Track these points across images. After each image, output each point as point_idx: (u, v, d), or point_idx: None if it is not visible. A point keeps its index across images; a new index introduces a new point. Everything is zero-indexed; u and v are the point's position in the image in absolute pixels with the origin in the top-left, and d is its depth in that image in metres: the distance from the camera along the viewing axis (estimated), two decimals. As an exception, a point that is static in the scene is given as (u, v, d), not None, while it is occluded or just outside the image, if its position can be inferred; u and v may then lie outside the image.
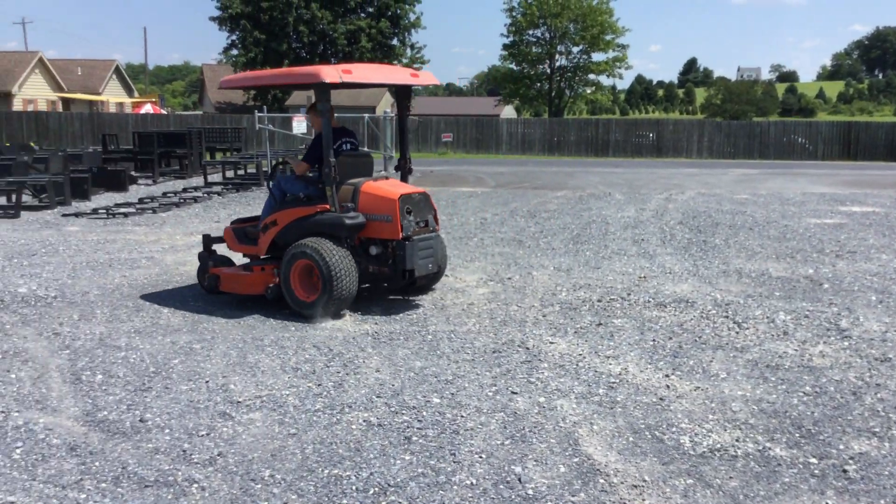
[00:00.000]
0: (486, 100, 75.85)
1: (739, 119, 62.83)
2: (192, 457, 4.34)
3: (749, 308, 7.35)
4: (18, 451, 4.43)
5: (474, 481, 4.03)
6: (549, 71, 53.70)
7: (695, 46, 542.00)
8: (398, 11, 50.98)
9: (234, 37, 51.42)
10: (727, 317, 7.08)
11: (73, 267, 9.40)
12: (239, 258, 8.39)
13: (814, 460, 4.23)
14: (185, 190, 17.68)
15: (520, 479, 4.04)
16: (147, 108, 43.28)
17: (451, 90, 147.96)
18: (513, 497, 3.87)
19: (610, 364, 5.81)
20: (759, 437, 4.52)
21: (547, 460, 4.27)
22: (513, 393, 5.25)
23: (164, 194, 16.84)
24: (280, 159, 8.53)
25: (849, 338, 6.39)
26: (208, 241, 8.13)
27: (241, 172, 20.68)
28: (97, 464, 4.26)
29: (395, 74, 8.42)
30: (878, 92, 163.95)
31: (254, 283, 7.53)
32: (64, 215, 14.07)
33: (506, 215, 13.81)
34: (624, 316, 7.17)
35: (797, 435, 4.55)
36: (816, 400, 5.08)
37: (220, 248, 8.31)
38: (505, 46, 53.50)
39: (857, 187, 18.26)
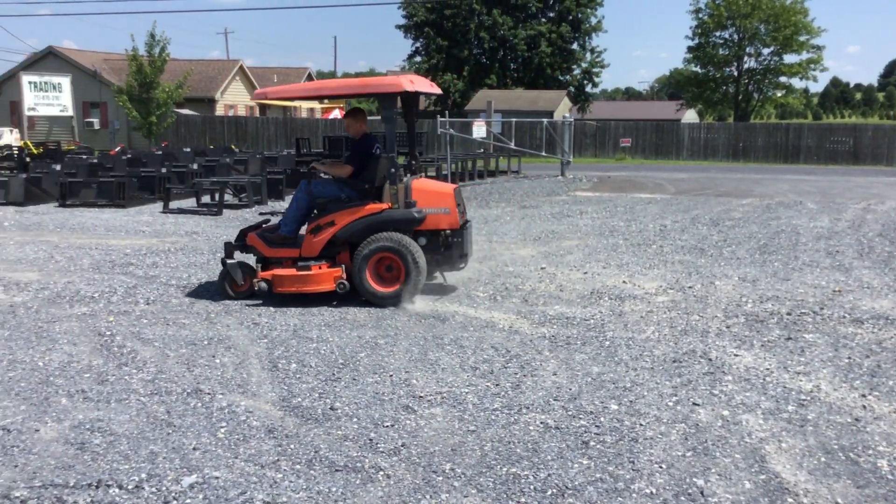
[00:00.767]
0: (666, 104, 73.88)
1: (950, 124, 57.53)
2: (378, 446, 4.55)
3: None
4: (222, 430, 4.81)
5: (654, 490, 3.98)
6: (736, 73, 51.61)
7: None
8: (579, 15, 50.68)
9: (417, 44, 52.96)
10: (933, 337, 6.57)
11: (269, 262, 10.04)
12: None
13: None
14: (369, 192, 18.40)
15: (702, 493, 3.96)
16: (335, 114, 45.31)
17: (629, 94, 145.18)
18: (694, 509, 3.80)
19: (800, 380, 5.56)
20: (969, 468, 4.19)
21: (731, 475, 4.15)
22: (694, 404, 5.14)
23: (350, 196, 17.61)
24: (312, 166, 8.71)
25: None
26: (231, 248, 8.23)
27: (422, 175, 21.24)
28: (292, 447, 4.56)
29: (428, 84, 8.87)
30: None
31: (321, 279, 7.80)
32: (261, 214, 15.03)
33: (687, 223, 13.44)
34: (816, 331, 6.82)
35: None
36: None
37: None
38: (690, 49, 51.99)
39: None
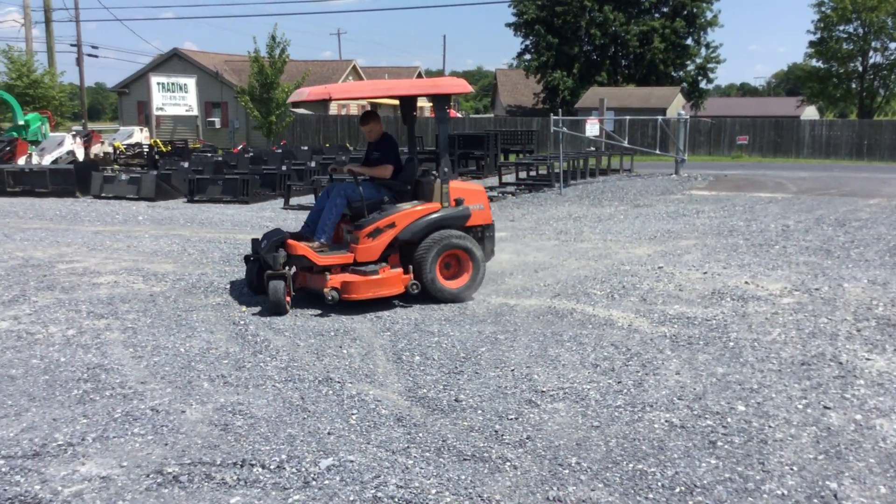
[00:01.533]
0: (784, 100, 71.19)
1: None
2: (504, 437, 4.66)
3: None
4: (354, 417, 5.02)
5: (785, 492, 3.95)
6: (860, 69, 49.30)
7: None
8: (694, 10, 49.42)
9: (527, 42, 52.80)
10: None
11: (388, 257, 10.31)
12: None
13: None
14: (481, 189, 18.55)
15: (835, 496, 3.90)
16: (444, 112, 45.76)
17: (745, 90, 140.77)
18: (828, 513, 3.75)
19: (937, 387, 5.36)
20: None
21: (865, 479, 4.07)
22: (825, 408, 5.03)
23: (463, 193, 17.79)
24: (349, 169, 8.28)
25: None
26: (276, 261, 7.54)
27: (532, 174, 21.29)
28: (421, 435, 4.71)
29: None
30: None
31: (392, 283, 7.67)
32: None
33: (811, 223, 13.00)
34: (953, 337, 6.53)
35: None
36: None
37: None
38: (811, 43, 49.94)
39: None
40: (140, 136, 32.85)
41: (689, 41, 51.21)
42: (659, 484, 4.06)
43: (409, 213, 7.86)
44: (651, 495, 3.94)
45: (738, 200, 16.58)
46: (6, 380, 5.73)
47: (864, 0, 45.62)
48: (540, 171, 21.40)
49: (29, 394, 5.45)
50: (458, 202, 8.05)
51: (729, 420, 4.87)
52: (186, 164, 20.37)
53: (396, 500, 3.91)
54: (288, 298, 7.54)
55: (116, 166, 24.28)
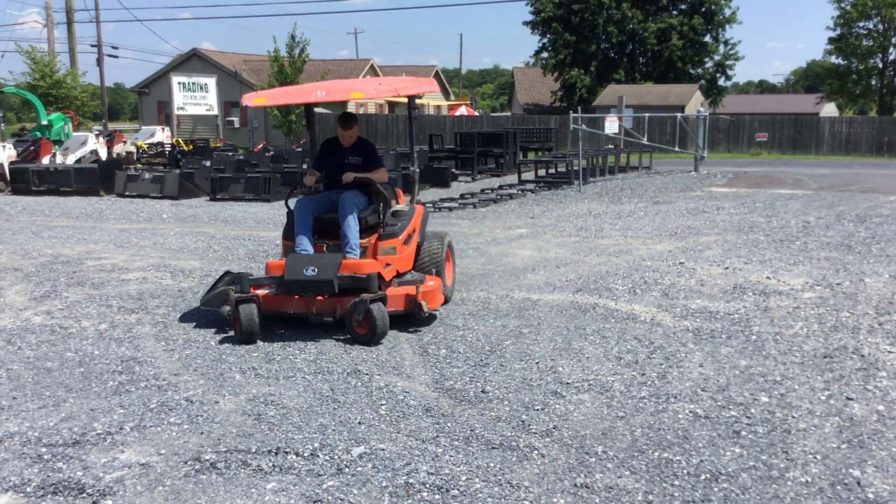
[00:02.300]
0: (802, 97, 70.84)
1: None
2: (531, 427, 4.76)
3: None
4: (383, 407, 5.13)
5: (809, 479, 4.02)
6: (880, 65, 48.97)
7: None
8: (712, 7, 49.26)
9: (545, 40, 52.82)
10: None
11: (410, 254, 10.43)
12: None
13: None
14: (500, 187, 18.67)
15: (858, 483, 3.96)
16: (462, 111, 45.88)
17: (763, 87, 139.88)
18: (851, 498, 3.82)
19: (960, 379, 5.40)
20: None
21: (888, 468, 4.13)
22: (848, 399, 5.09)
23: (483, 191, 17.92)
24: (358, 178, 7.24)
25: None
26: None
27: (551, 171, 21.36)
28: (449, 425, 4.82)
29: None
30: None
31: (440, 289, 7.24)
32: (396, 208, 15.53)
33: (831, 219, 13.00)
34: (976, 330, 6.57)
35: None
36: None
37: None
38: (830, 40, 49.63)
39: None
40: (162, 135, 33.18)
41: (708, 38, 51.08)
42: (684, 471, 4.14)
43: (417, 215, 7.72)
44: (677, 482, 4.03)
45: (757, 197, 16.58)
46: (43, 372, 5.88)
47: (887, -4, 45.34)
48: (559, 169, 21.47)
49: (66, 385, 5.60)
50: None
51: (752, 411, 4.94)
52: (208, 163, 20.60)
53: (428, 486, 4.01)
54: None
55: (139, 165, 24.56)
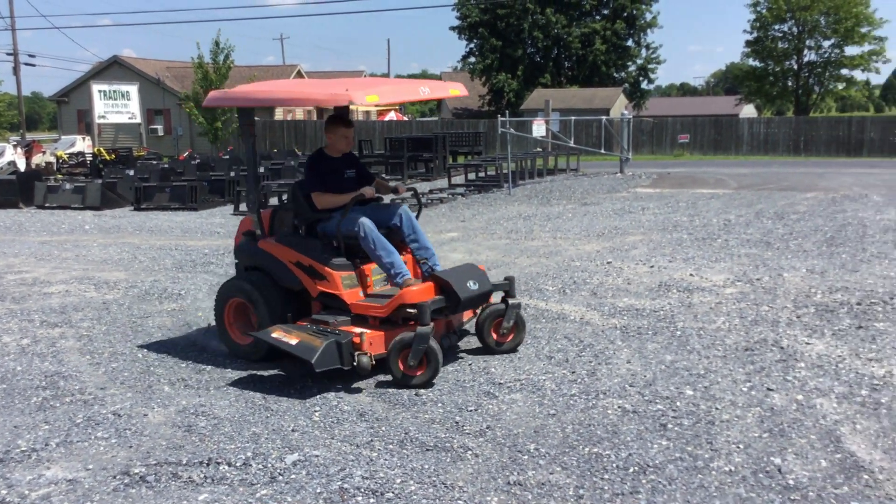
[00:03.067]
0: (723, 99, 72.83)
1: None
2: (465, 428, 4.81)
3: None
4: (317, 414, 5.11)
5: (733, 468, 4.16)
6: (795, 67, 50.78)
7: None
8: (634, 12, 50.35)
9: (472, 45, 53.22)
10: None
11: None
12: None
13: None
14: (431, 191, 18.73)
15: (779, 470, 4.12)
16: (391, 116, 45.84)
17: (685, 90, 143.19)
18: (773, 485, 3.96)
19: (873, 367, 5.65)
20: None
21: (807, 454, 4.30)
22: (769, 390, 5.28)
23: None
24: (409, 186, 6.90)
25: None
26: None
27: (481, 175, 21.52)
28: (383, 429, 4.83)
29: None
30: None
31: None
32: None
33: (751, 217, 13.42)
34: (887, 320, 6.87)
35: None
36: None
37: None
38: (748, 43, 51.33)
39: None
40: (82, 144, 32.29)
41: (630, 42, 52.19)
42: (614, 465, 4.24)
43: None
44: (606, 476, 4.12)
45: (681, 197, 16.99)
46: (-38, 390, 5.69)
47: (798, 0, 47.02)
48: (489, 172, 21.63)
49: (-13, 403, 5.43)
50: None
51: (678, 404, 5.08)
52: (132, 172, 20.15)
53: (363, 490, 4.02)
54: None
55: (59, 176, 23.87)
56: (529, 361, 6.04)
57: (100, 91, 33.54)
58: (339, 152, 6.49)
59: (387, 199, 8.18)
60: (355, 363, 5.47)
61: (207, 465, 4.37)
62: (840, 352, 6.02)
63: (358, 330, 5.66)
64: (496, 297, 6.52)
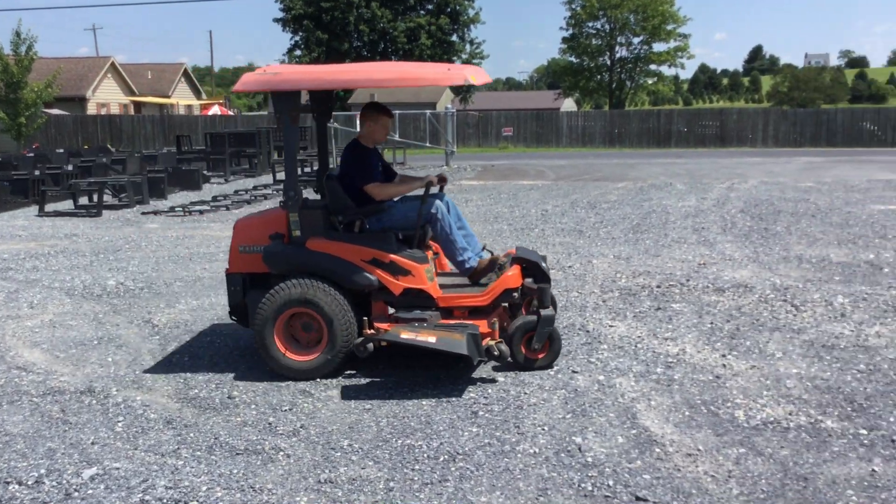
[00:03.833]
0: (545, 93, 75.73)
1: (807, 107, 61.47)
2: (277, 429, 4.72)
3: (808, 292, 7.47)
4: (120, 424, 4.87)
5: (537, 450, 4.32)
6: (609, 63, 53.46)
7: (760, 34, 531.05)
8: (457, 7, 51.23)
9: (297, 37, 52.41)
10: (785, 300, 7.21)
11: (157, 261, 9.97)
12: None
13: (864, 431, 4.41)
14: (255, 188, 18.32)
15: (580, 449, 4.32)
16: (215, 110, 44.47)
17: (510, 84, 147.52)
18: (573, 464, 4.15)
19: (668, 345, 6.04)
20: (811, 411, 4.71)
21: (606, 432, 4.53)
22: (574, 372, 5.52)
23: (236, 192, 17.49)
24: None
25: (906, 319, 6.49)
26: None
27: (307, 170, 21.26)
28: (192, 435, 4.67)
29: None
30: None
31: None
32: (143, 213, 14.77)
33: (566, 207, 14.02)
34: (682, 301, 7.37)
35: (849, 409, 4.73)
36: (870, 377, 5.23)
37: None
38: (564, 39, 53.48)
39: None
40: None
41: (455, 38, 53.05)
42: (425, 455, 4.30)
43: None
44: (417, 466, 4.17)
45: (503, 188, 17.50)
46: None
47: (609, -2, 49.49)
48: (315, 167, 21.39)
49: None
50: None
51: (490, 391, 5.22)
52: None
53: (165, 500, 3.86)
54: None
55: None
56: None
57: None
58: (374, 143, 6.12)
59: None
60: (496, 353, 5.38)
61: (-5, 486, 4.06)
62: (639, 332, 6.39)
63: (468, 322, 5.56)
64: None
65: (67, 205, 16.07)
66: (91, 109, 47.70)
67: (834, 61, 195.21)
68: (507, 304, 5.85)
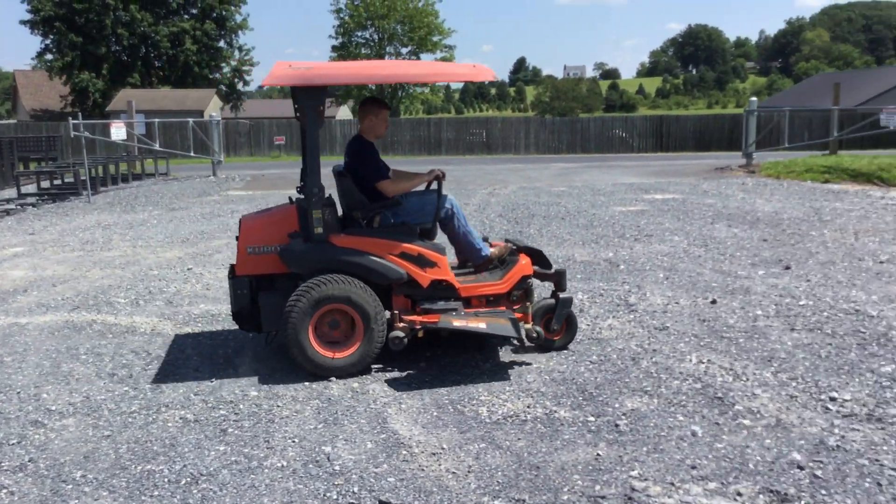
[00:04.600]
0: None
1: (567, 115, 65.79)
2: (2, 464, 4.34)
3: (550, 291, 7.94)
4: None
5: (285, 463, 4.27)
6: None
7: (524, 46, 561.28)
8: (224, 13, 49.93)
9: (48, 41, 48.73)
10: (533, 299, 7.63)
11: None
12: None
13: (592, 418, 4.76)
14: (-5, 203, 16.78)
15: (328, 458, 4.32)
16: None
17: (284, 92, 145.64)
18: (320, 474, 4.14)
19: (422, 348, 6.18)
20: (547, 403, 5.01)
21: (356, 439, 4.57)
22: (328, 381, 5.52)
23: (-28, 208, 15.93)
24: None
25: (635, 311, 7.09)
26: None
27: (57, 182, 19.80)
28: None
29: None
30: (692, 86, 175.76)
31: None
32: None
33: (334, 215, 14.01)
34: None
35: (580, 398, 5.08)
36: (601, 367, 5.66)
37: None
38: (334, 48, 53.65)
39: (663, 177, 19.69)
40: None
41: (222, 44, 51.67)
42: (166, 480, 4.12)
43: None
44: (157, 492, 3.99)
45: (271, 198, 17.18)
46: None
47: (377, 8, 50.23)
48: (66, 180, 19.97)
49: None
50: None
51: (241, 407, 5.10)
52: None
53: None
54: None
55: None
56: (89, 382, 5.66)
57: None
58: (375, 137, 6.15)
59: None
60: (534, 335, 5.76)
61: None
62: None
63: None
64: (546, 292, 6.66)
65: None
66: None
67: (590, 73, 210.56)
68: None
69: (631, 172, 21.36)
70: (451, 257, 6.12)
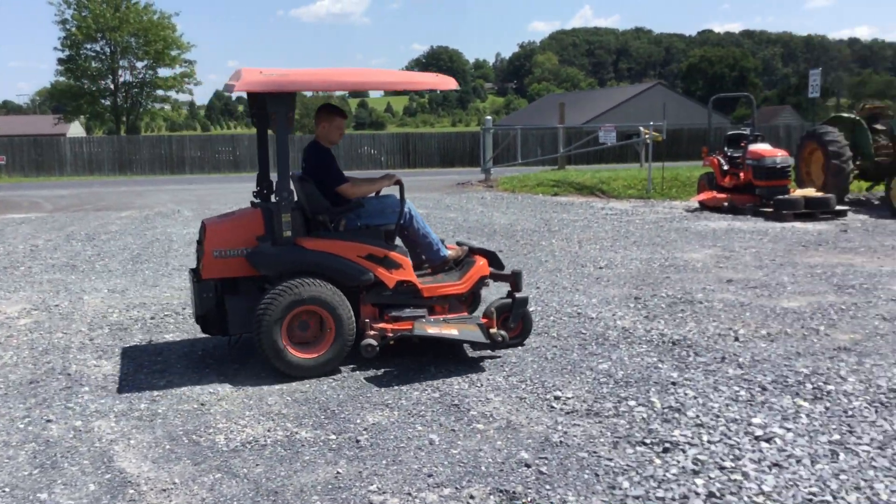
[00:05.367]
0: (47, 118, 69.89)
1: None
2: None
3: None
4: None
5: (-9, 517, 3.85)
6: (112, 87, 51.03)
7: (270, 62, 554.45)
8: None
9: None
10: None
11: None
12: None
13: (333, 436, 4.73)
14: None
15: (44, 505, 3.95)
16: None
17: (9, 108, 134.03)
18: (34, 525, 3.77)
19: (154, 378, 5.86)
20: (288, 424, 4.92)
21: (77, 482, 4.21)
22: (47, 421, 5.06)
23: None
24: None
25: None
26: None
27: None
28: None
29: None
30: (437, 105, 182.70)
31: None
32: None
33: (60, 240, 12.99)
34: (177, 330, 7.25)
35: (322, 417, 5.04)
36: (343, 384, 5.65)
37: None
38: (61, 61, 49.67)
39: (409, 192, 20.15)
40: None
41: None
42: None
43: None
44: None
45: (-11, 224, 15.63)
46: None
47: (107, 20, 47.23)
48: None
49: None
50: None
51: (-59, 459, 4.53)
52: None
53: None
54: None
55: None
56: None
57: None
58: (330, 143, 6.23)
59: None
60: (499, 339, 6.00)
61: None
62: (127, 368, 6.11)
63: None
64: (502, 291, 6.81)
65: None
66: None
67: (340, 91, 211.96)
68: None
69: (378, 189, 21.74)
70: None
